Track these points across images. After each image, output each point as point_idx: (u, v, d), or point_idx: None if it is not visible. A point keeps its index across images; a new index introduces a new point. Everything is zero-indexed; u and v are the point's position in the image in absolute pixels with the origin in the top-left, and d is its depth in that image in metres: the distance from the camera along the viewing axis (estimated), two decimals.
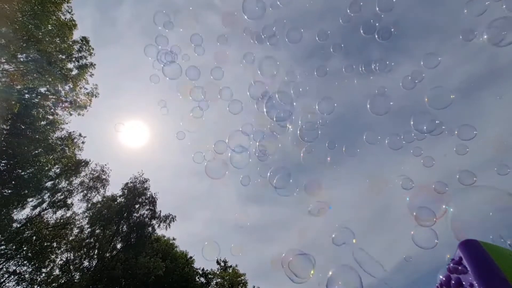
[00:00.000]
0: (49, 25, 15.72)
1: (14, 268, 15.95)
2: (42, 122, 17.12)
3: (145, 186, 23.54)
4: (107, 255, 20.35)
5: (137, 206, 22.75)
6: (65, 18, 16.57)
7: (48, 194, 18.45)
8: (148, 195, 23.43)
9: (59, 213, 18.87)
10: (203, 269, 28.10)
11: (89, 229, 20.65)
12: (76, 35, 17.51)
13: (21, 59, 15.49)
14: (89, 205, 20.82)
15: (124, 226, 21.86)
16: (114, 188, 27.62)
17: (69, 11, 16.81)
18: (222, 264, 29.45)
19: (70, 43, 17.18)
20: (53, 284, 17.18)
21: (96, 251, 20.18)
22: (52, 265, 17.74)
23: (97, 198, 21.34)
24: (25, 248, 16.01)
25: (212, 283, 27.60)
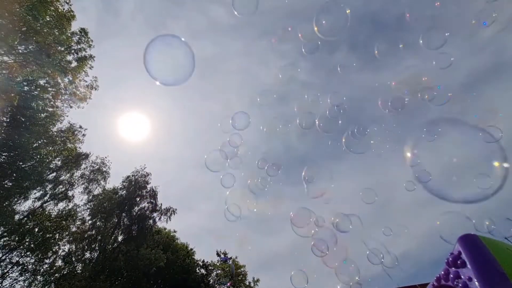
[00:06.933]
0: (47, 16, 15.48)
1: (17, 259, 16.15)
2: (42, 115, 17.06)
3: (146, 179, 23.70)
4: (109, 247, 20.60)
5: (138, 199, 22.92)
6: (64, 9, 16.32)
7: (50, 186, 18.55)
8: (149, 189, 23.60)
9: (61, 205, 19.04)
10: (203, 261, 28.51)
11: (90, 221, 20.86)
12: (75, 26, 17.28)
13: (20, 51, 15.33)
14: (90, 197, 20.98)
15: (126, 219, 22.07)
16: (115, 180, 27.72)
17: (67, 1, 16.53)
18: (222, 256, 29.83)
19: (69, 34, 16.95)
20: (56, 275, 17.44)
21: (97, 243, 20.42)
22: (54, 256, 17.98)
23: (98, 190, 21.50)
24: (27, 240, 16.18)
25: (212, 275, 28.02)
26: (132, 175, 23.71)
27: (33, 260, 16.61)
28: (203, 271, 27.95)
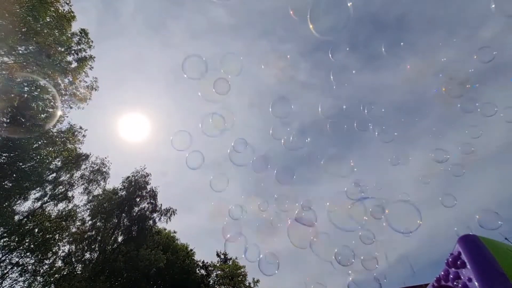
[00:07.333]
0: (48, 17, 15.50)
1: (17, 259, 16.14)
2: (42, 115, 17.06)
3: (146, 180, 23.71)
4: (109, 247, 20.58)
5: (138, 199, 22.93)
6: (64, 10, 16.35)
7: (50, 187, 18.55)
8: (149, 189, 23.60)
9: (61, 205, 19.03)
10: (203, 262, 28.49)
11: (90, 222, 20.85)
12: (76, 27, 17.30)
13: (20, 51, 15.34)
14: (90, 197, 20.97)
15: (125, 219, 22.06)
16: (115, 181, 27.73)
17: (68, 2, 16.56)
18: (222, 256, 29.82)
19: (69, 35, 16.97)
20: (56, 276, 17.42)
21: (97, 243, 20.41)
22: (54, 257, 17.96)
23: (98, 191, 21.50)
24: (27, 240, 16.17)
25: (212, 275, 27.98)
26: (132, 176, 23.72)
27: (33, 261, 16.60)
28: (203, 271, 27.92)
